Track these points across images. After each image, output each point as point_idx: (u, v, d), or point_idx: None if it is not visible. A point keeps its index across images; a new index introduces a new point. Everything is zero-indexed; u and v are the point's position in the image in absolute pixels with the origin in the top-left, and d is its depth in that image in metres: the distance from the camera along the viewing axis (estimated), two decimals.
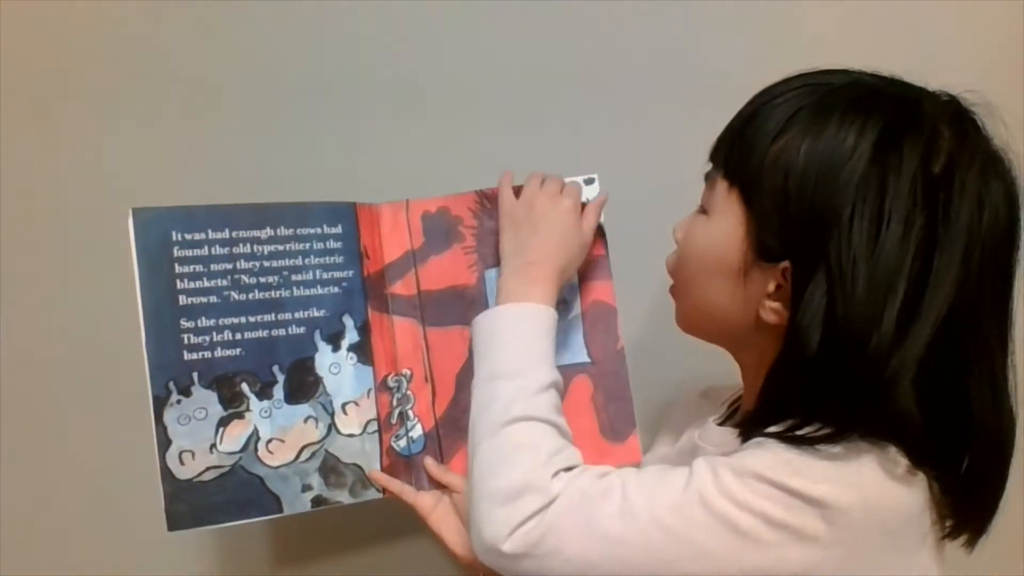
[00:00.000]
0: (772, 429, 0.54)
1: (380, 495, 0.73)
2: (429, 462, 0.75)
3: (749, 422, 0.59)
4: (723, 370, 0.70)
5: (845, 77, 0.57)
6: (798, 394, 0.54)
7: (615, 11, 0.90)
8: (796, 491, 0.49)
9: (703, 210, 0.62)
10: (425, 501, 0.73)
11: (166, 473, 0.68)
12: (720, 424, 0.68)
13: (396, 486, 0.73)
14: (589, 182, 0.76)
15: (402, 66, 0.91)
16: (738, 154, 0.58)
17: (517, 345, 0.64)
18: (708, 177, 0.63)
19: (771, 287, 0.56)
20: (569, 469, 0.58)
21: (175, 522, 0.68)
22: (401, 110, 0.91)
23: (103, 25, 0.90)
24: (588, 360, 0.75)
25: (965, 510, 0.55)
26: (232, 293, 0.70)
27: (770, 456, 0.52)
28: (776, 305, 0.56)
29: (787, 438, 0.52)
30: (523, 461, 0.57)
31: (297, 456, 0.71)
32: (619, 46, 0.90)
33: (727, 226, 0.58)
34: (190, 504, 0.68)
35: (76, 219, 0.91)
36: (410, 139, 0.91)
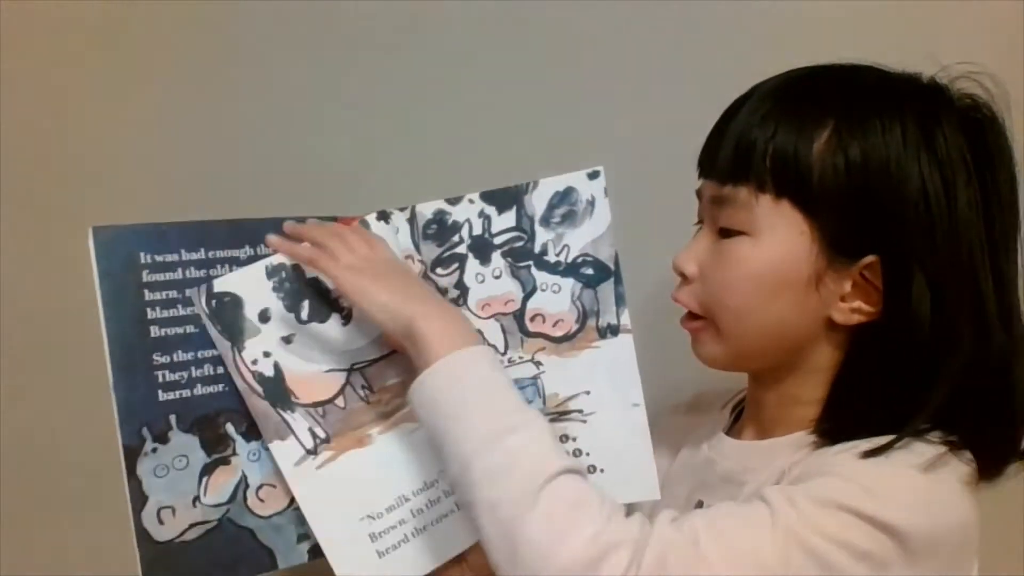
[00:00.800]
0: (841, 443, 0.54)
1: None
2: None
3: (828, 431, 0.57)
4: (699, 377, 0.69)
5: (842, 71, 0.59)
6: (888, 390, 0.54)
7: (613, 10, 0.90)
8: (871, 517, 0.48)
9: (726, 232, 0.59)
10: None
11: (143, 535, 0.58)
12: (729, 433, 0.67)
13: None
14: (593, 176, 0.67)
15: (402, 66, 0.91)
16: (776, 164, 0.55)
17: (497, 395, 0.55)
18: (719, 199, 0.59)
19: (847, 287, 0.56)
20: (626, 514, 0.51)
21: None
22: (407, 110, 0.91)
23: (103, 25, 0.92)
24: None
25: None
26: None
27: (842, 480, 0.50)
28: (856, 304, 0.56)
29: (869, 451, 0.52)
30: (586, 521, 0.48)
31: (291, 503, 0.63)
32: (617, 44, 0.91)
33: (786, 239, 0.56)
34: (171, 570, 0.59)
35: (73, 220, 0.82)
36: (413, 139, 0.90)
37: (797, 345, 0.59)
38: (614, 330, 0.66)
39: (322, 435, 0.62)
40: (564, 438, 0.65)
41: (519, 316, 0.67)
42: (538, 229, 0.68)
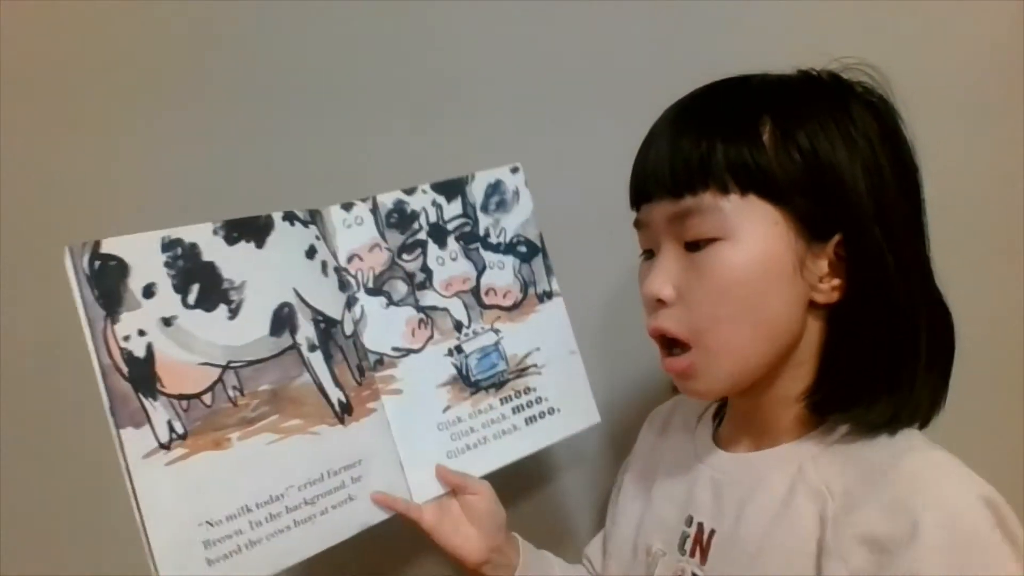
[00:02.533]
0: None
1: (387, 515, 0.68)
2: (441, 467, 0.71)
3: (820, 403, 0.58)
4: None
5: (746, 79, 0.61)
6: (872, 357, 0.56)
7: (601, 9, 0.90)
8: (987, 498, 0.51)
9: (695, 244, 0.57)
10: (431, 517, 0.70)
11: None
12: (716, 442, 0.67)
13: (400, 505, 0.69)
14: (514, 171, 0.79)
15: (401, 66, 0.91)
16: (732, 162, 0.56)
17: None
18: (680, 214, 0.58)
19: (824, 267, 0.57)
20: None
21: None
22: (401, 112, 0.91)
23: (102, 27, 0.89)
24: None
25: None
26: None
27: (946, 461, 0.54)
28: (834, 282, 0.57)
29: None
30: None
31: None
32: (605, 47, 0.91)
33: (763, 232, 0.56)
34: None
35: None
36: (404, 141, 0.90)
37: (791, 339, 0.58)
38: (549, 295, 0.80)
39: (180, 430, 0.59)
40: (527, 390, 0.77)
41: (476, 292, 0.76)
42: (480, 215, 0.77)
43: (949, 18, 0.83)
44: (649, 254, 0.63)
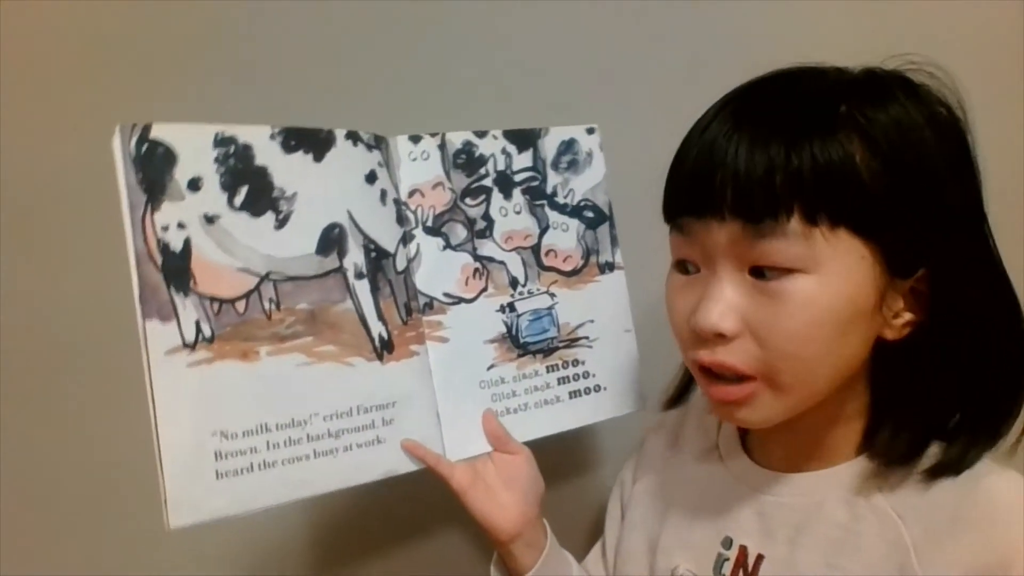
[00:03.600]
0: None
1: (416, 467, 0.64)
2: (489, 412, 0.68)
3: (886, 452, 0.54)
4: None
5: (810, 72, 0.54)
6: (937, 394, 0.53)
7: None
8: None
9: (764, 272, 0.50)
10: (463, 477, 0.65)
11: None
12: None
13: (432, 457, 0.64)
14: (591, 131, 0.75)
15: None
16: (825, 185, 0.48)
17: None
18: (754, 235, 0.49)
19: (900, 303, 0.52)
20: None
21: None
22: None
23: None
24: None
25: None
26: None
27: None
28: (907, 317, 0.53)
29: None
30: None
31: None
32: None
33: (849, 267, 0.49)
34: None
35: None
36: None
37: (854, 373, 0.54)
38: (611, 267, 0.75)
39: (207, 333, 0.56)
40: (575, 362, 0.73)
41: (536, 251, 0.72)
42: (549, 172, 0.73)
43: (949, 18, 0.81)
44: (683, 266, 0.55)
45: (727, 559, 0.60)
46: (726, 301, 0.51)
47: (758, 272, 0.50)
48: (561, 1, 0.87)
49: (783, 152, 0.48)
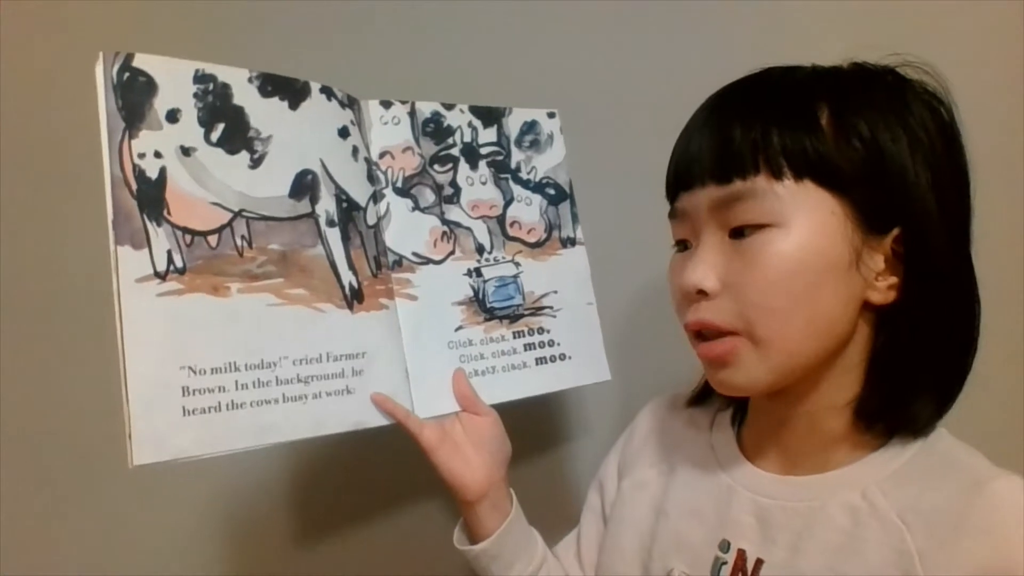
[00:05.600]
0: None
1: (385, 422, 0.64)
2: (459, 371, 0.69)
3: (871, 414, 0.54)
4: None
5: (797, 69, 0.57)
6: (925, 365, 0.53)
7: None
8: None
9: (741, 231, 0.53)
10: (431, 434, 0.65)
11: None
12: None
13: (401, 412, 0.64)
14: (551, 115, 0.79)
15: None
16: (789, 147, 0.52)
17: None
18: (729, 199, 0.53)
19: (881, 263, 0.53)
20: None
21: None
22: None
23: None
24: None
25: None
26: None
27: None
28: (891, 280, 0.53)
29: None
30: None
31: None
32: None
33: (819, 220, 0.51)
34: None
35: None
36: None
37: (841, 340, 0.54)
38: (572, 242, 0.78)
39: (179, 264, 0.55)
40: (541, 330, 0.74)
41: (501, 221, 0.75)
42: (513, 149, 0.76)
43: (949, 18, 0.82)
44: (682, 245, 0.59)
45: (725, 563, 0.58)
46: (708, 262, 0.54)
47: (737, 232, 0.53)
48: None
49: (751, 119, 0.53)
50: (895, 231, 0.52)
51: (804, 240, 0.51)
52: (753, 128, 0.52)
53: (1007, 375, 0.82)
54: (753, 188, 0.52)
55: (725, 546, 0.58)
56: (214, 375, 0.55)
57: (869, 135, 0.52)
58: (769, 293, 0.52)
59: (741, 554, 0.57)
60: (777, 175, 0.52)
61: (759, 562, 0.56)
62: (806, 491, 0.56)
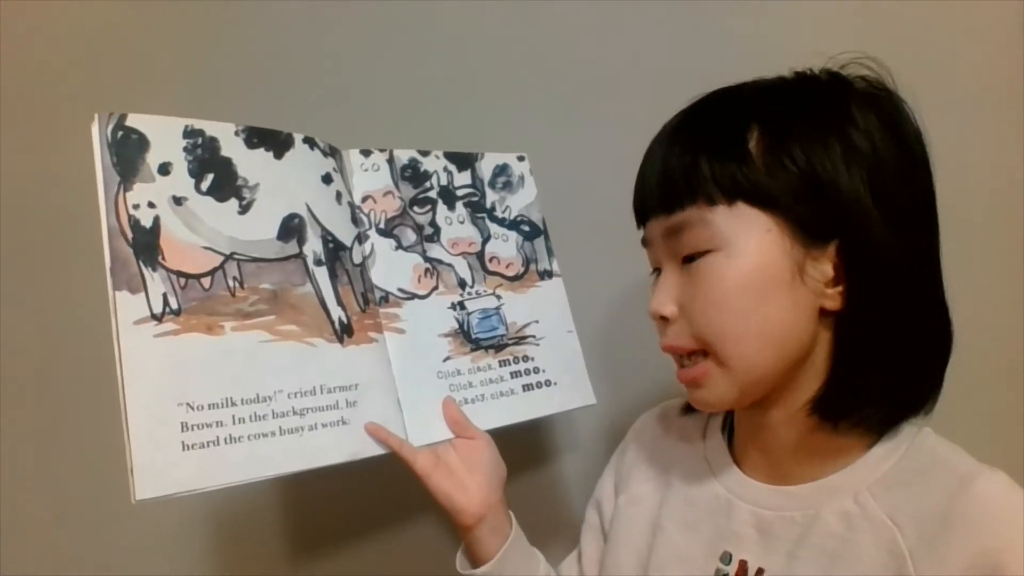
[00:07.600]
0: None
1: (380, 451, 0.66)
2: (449, 399, 0.71)
3: (830, 408, 0.56)
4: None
5: (739, 88, 0.59)
6: (881, 361, 0.54)
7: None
8: None
9: (691, 258, 0.56)
10: (425, 461, 0.67)
11: None
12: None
13: (395, 441, 0.66)
14: (521, 159, 0.84)
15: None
16: (717, 173, 0.54)
17: None
18: (674, 228, 0.57)
19: (829, 271, 0.54)
20: None
21: None
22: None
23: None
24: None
25: None
26: None
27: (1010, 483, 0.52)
28: (841, 287, 0.54)
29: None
30: None
31: None
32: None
33: (757, 240, 0.54)
34: None
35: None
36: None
37: (800, 348, 0.56)
38: (549, 274, 0.82)
39: (174, 306, 0.58)
40: (525, 358, 0.77)
41: (480, 256, 0.79)
42: (487, 190, 0.81)
43: (949, 18, 0.83)
44: (657, 272, 0.62)
45: (727, 574, 0.59)
46: (666, 289, 0.58)
47: (688, 259, 0.57)
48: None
49: (684, 149, 0.57)
50: (834, 242, 0.54)
51: (744, 260, 0.54)
52: (685, 158, 0.56)
53: (1007, 375, 0.83)
54: (691, 217, 0.56)
55: (727, 558, 0.60)
56: (211, 410, 0.58)
57: (801, 154, 0.54)
58: (717, 314, 0.55)
59: (743, 565, 0.59)
60: (710, 202, 0.55)
61: (760, 572, 0.58)
62: (802, 500, 0.57)
